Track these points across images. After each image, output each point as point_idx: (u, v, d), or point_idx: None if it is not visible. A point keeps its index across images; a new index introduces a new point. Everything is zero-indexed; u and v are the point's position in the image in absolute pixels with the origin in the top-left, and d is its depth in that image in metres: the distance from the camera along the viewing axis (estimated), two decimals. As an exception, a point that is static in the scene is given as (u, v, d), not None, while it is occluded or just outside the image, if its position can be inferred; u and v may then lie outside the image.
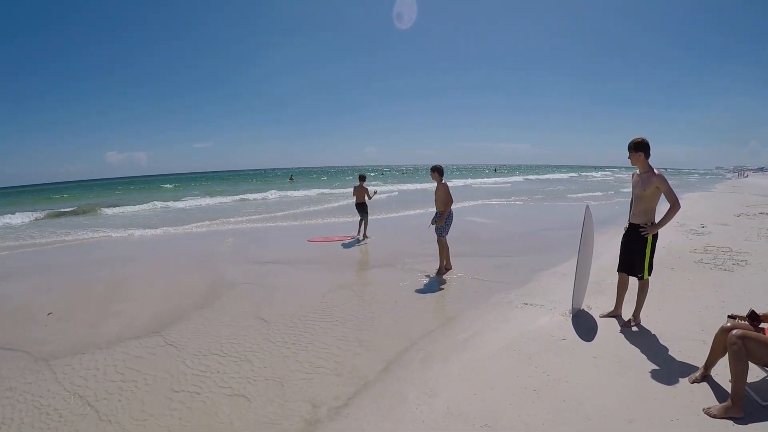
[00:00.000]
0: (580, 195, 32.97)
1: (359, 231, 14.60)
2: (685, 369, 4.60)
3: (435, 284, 8.71)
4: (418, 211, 21.37)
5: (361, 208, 14.59)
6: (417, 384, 4.77)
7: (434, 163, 9.50)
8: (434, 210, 9.87)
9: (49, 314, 7.74)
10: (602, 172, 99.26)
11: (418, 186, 49.56)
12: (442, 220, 9.34)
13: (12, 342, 6.61)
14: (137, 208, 29.76)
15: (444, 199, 9.30)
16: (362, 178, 15.16)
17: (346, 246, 13.49)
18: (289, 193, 41.54)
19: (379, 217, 18.61)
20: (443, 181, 9.48)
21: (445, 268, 9.55)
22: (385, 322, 6.82)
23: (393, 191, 42.06)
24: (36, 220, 24.88)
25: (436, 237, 9.53)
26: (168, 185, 72.46)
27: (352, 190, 14.90)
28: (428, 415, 4.15)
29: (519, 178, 70.34)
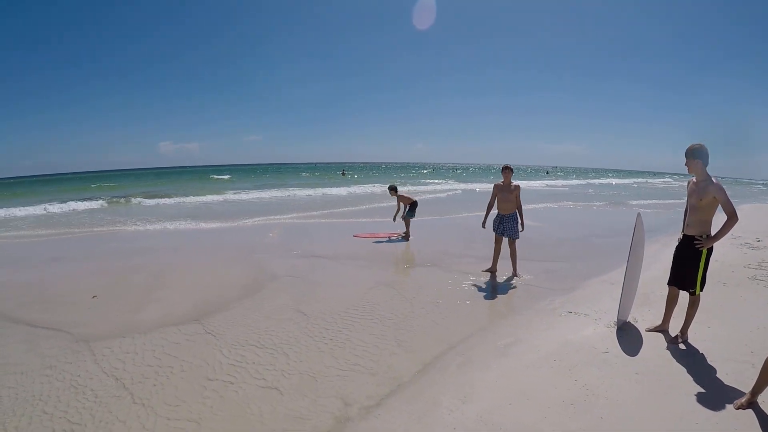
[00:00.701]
0: (644, 202, 31.70)
1: (406, 230, 14.52)
2: (731, 393, 4.40)
3: (478, 287, 8.62)
4: (473, 213, 20.98)
5: (414, 207, 14.53)
6: (452, 389, 4.75)
7: (503, 163, 9.28)
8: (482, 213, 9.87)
9: (93, 297, 8.07)
10: (662, 179, 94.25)
11: (476, 186, 48.99)
12: (523, 221, 9.39)
13: (55, 322, 6.93)
14: (191, 199, 30.51)
15: (519, 201, 9.20)
16: (394, 189, 15.12)
17: (391, 243, 13.55)
18: (343, 189, 40.45)
19: (427, 218, 18.34)
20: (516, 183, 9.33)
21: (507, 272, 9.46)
22: (425, 322, 6.81)
23: (456, 189, 41.95)
24: (100, 207, 26.01)
25: (509, 240, 9.34)
26: (223, 176, 72.70)
27: (404, 196, 14.67)
28: (460, 422, 4.13)
29: (577, 182, 67.22)
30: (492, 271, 9.53)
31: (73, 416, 4.42)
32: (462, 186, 49.13)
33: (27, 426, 4.28)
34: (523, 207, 9.21)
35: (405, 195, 14.57)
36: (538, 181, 62.52)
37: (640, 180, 79.13)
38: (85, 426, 4.26)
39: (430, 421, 4.19)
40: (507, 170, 9.14)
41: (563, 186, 55.55)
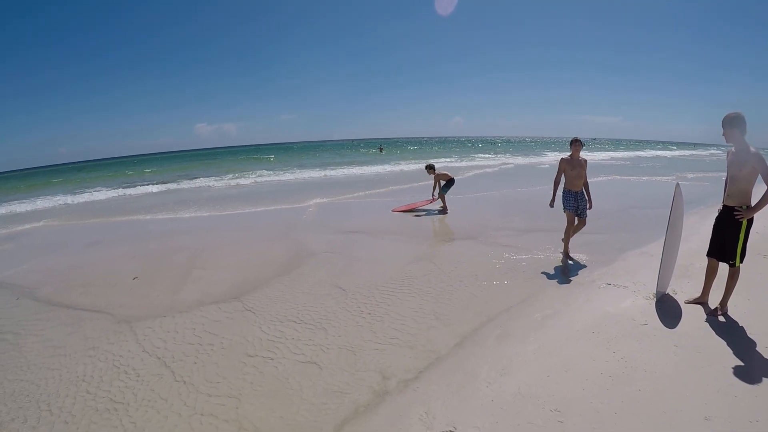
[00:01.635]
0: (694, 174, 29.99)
1: (443, 204, 14.57)
2: (772, 368, 4.37)
3: (516, 260, 8.56)
4: (519, 188, 20.69)
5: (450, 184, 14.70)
6: (490, 362, 4.81)
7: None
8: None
9: (134, 279, 8.29)
10: (707, 150, 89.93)
11: (526, 160, 45.77)
12: (590, 201, 8.72)
13: (97, 305, 7.17)
14: (231, 181, 29.31)
15: (585, 177, 8.54)
16: (432, 168, 15.31)
17: (429, 217, 13.50)
18: (380, 167, 36.97)
19: (469, 196, 18.10)
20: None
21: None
22: (464, 295, 6.83)
23: (508, 164, 40.03)
24: (136, 193, 25.94)
25: (580, 219, 8.67)
26: (269, 156, 70.46)
27: (441, 173, 14.72)
28: (498, 395, 4.18)
29: (620, 154, 62.20)
30: (567, 253, 8.68)
31: (115, 395, 4.62)
32: (517, 160, 45.41)
33: (71, 406, 4.48)
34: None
35: (442, 172, 14.71)
36: (593, 154, 60.15)
37: (687, 152, 75.19)
38: (127, 404, 4.44)
39: (467, 393, 4.26)
40: (577, 143, 8.39)
41: (621, 160, 48.70)
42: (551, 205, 8.82)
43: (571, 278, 7.37)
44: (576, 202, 8.56)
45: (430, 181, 15.25)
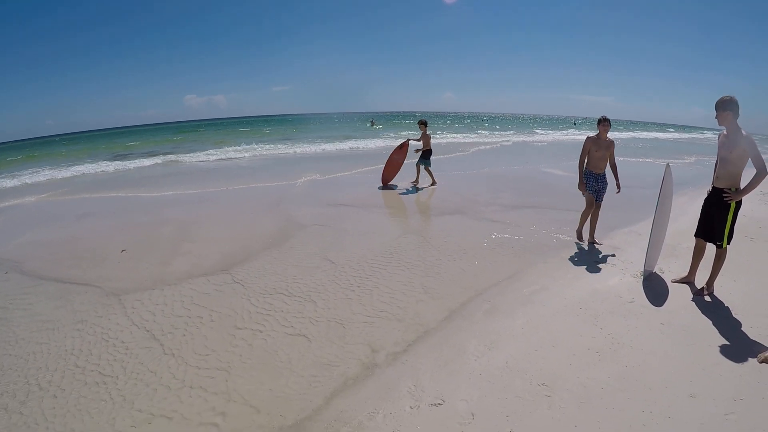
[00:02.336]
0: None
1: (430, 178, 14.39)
2: (755, 347, 4.43)
3: (505, 235, 8.59)
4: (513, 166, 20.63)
5: (427, 155, 14.33)
6: (478, 335, 4.85)
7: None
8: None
9: (122, 251, 8.22)
10: (701, 134, 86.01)
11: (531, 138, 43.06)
12: (618, 184, 7.84)
13: (86, 278, 7.10)
14: (217, 153, 28.63)
15: (613, 159, 7.86)
16: (425, 124, 14.51)
17: (419, 192, 13.49)
18: (372, 141, 34.98)
19: (466, 172, 18.04)
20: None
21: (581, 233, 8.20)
22: (452, 270, 6.86)
23: (506, 141, 37.43)
24: (139, 166, 25.28)
25: (596, 203, 7.92)
26: (263, 128, 67.53)
27: (429, 137, 14.31)
28: (486, 368, 4.23)
29: (622, 135, 60.54)
30: (580, 232, 8.25)
31: (104, 368, 4.60)
32: (518, 137, 42.90)
33: (60, 380, 4.46)
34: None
35: (428, 137, 14.21)
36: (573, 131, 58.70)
37: (686, 135, 72.88)
38: (116, 378, 4.43)
39: (456, 367, 4.31)
40: (605, 123, 7.69)
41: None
42: (580, 187, 7.95)
43: (560, 255, 7.41)
44: (597, 184, 7.91)
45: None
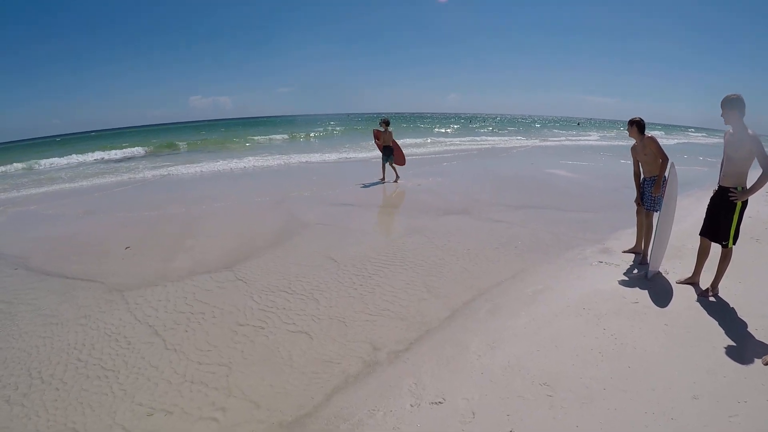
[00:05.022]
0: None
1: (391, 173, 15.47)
2: (760, 349, 4.38)
3: (509, 235, 8.58)
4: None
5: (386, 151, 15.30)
6: (480, 335, 4.83)
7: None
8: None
9: (126, 248, 8.26)
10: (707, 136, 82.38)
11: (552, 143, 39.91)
12: (658, 187, 6.71)
13: (89, 273, 7.14)
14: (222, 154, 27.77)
15: (661, 155, 6.68)
16: (387, 123, 15.47)
17: (422, 191, 13.48)
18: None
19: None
20: (649, 134, 6.87)
21: (644, 255, 6.98)
22: (455, 269, 6.86)
23: (527, 145, 34.89)
24: (144, 165, 25.17)
25: (639, 210, 7.15)
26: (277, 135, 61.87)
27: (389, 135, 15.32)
28: (487, 368, 4.21)
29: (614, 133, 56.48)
30: (634, 251, 7.32)
31: (106, 363, 4.62)
32: (534, 142, 38.93)
33: (62, 373, 4.48)
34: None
35: (389, 134, 15.18)
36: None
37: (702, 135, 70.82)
38: (118, 372, 4.45)
39: (458, 365, 4.30)
40: (629, 125, 6.95)
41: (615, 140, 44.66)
42: (636, 202, 7.18)
43: (564, 255, 7.38)
44: (644, 191, 7.05)
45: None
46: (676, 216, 6.76)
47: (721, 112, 5.22)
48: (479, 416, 3.56)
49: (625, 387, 3.84)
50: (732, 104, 5.10)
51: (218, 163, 21.20)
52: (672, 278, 6.15)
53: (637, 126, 6.85)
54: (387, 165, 15.40)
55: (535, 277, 6.48)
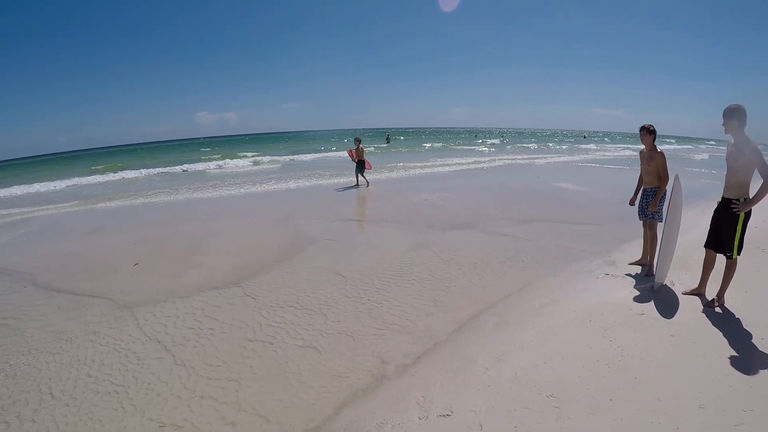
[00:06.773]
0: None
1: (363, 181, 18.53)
2: (766, 358, 4.40)
3: (515, 248, 8.60)
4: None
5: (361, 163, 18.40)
6: (487, 348, 4.86)
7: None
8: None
9: (135, 265, 8.32)
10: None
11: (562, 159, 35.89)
12: (657, 200, 6.83)
13: (98, 290, 7.20)
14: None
15: (662, 172, 6.77)
16: (359, 141, 18.64)
17: (428, 206, 13.51)
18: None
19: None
20: (660, 149, 6.88)
21: (650, 267, 6.92)
22: (462, 283, 6.89)
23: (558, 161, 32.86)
24: (153, 181, 25.52)
25: (643, 222, 7.17)
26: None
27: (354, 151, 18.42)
28: (495, 380, 4.23)
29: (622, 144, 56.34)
30: (640, 263, 7.31)
31: (116, 378, 4.66)
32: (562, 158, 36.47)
33: (72, 389, 4.52)
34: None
35: (361, 150, 18.36)
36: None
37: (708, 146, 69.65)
38: (128, 387, 4.48)
39: (465, 378, 4.31)
40: (641, 132, 6.96)
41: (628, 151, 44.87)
42: (630, 203, 7.45)
43: (570, 268, 7.39)
44: (641, 202, 7.18)
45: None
46: (682, 227, 6.76)
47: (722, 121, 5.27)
48: (486, 428, 3.57)
49: (631, 397, 3.85)
50: (731, 114, 5.15)
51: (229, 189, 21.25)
52: (678, 289, 6.16)
53: (649, 132, 6.89)
54: (359, 175, 18.44)
55: (541, 289, 6.50)
